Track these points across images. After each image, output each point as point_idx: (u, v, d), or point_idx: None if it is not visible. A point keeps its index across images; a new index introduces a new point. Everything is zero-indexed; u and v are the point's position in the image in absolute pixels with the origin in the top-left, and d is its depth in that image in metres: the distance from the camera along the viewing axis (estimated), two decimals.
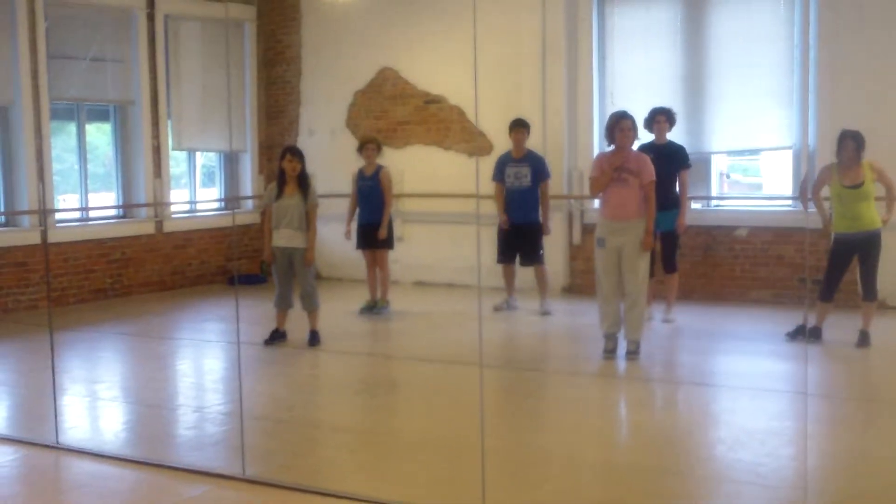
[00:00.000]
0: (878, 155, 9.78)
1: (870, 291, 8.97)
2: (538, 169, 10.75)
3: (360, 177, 10.93)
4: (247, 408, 6.66)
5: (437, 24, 12.88)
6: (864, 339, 8.91)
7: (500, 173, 10.86)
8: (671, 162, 9.96)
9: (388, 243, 10.99)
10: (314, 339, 9.52)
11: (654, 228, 9.48)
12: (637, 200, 8.52)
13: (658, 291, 10.33)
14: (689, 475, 5.88)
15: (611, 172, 8.53)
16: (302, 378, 8.59)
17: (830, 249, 9.11)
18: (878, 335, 9.19)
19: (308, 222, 9.39)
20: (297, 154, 9.48)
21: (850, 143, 8.86)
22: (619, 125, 8.58)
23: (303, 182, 9.41)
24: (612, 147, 8.67)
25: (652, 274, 9.89)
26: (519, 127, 10.76)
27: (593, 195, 9.34)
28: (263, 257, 9.68)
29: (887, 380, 8.10)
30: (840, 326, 9.13)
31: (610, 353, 8.67)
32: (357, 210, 11.07)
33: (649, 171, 8.56)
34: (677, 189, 10.06)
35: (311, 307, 9.50)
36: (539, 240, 10.83)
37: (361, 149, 10.99)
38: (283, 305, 9.55)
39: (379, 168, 10.96)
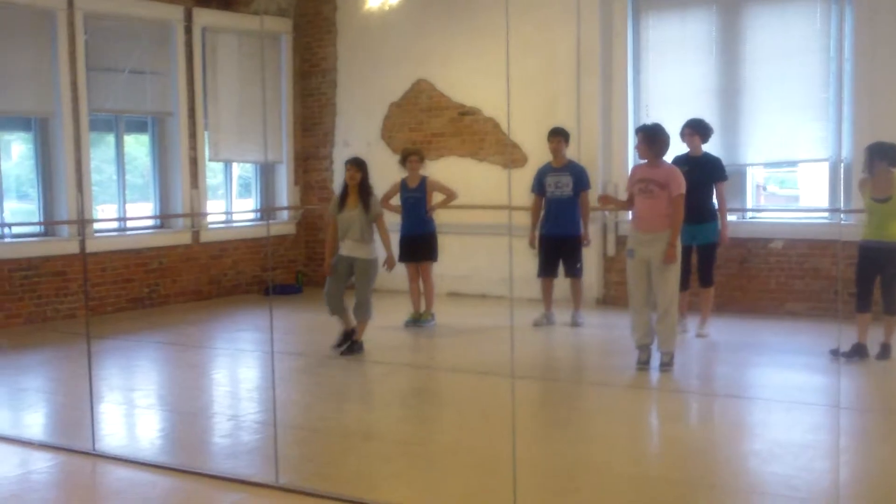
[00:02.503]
0: None
1: (891, 304, 8.89)
2: (579, 178, 10.76)
3: (404, 188, 10.91)
4: (281, 417, 6.70)
5: (472, 36, 12.93)
6: (884, 352, 8.85)
7: (539, 185, 10.85)
8: (707, 174, 9.95)
9: (431, 255, 10.99)
10: (354, 348, 9.54)
11: (691, 242, 9.51)
12: (665, 212, 8.54)
13: (693, 304, 10.29)
14: (722, 488, 5.86)
15: (630, 187, 8.81)
16: (336, 388, 8.62)
17: (859, 260, 9.07)
18: None
19: (379, 231, 9.60)
20: (357, 165, 9.60)
21: (867, 155, 8.90)
22: (638, 137, 8.82)
23: (364, 193, 9.50)
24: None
25: (687, 286, 9.89)
26: (556, 136, 10.77)
27: (610, 203, 9.64)
28: (324, 267, 9.83)
29: None
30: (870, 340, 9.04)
31: (643, 364, 8.65)
32: (400, 221, 11.10)
33: (678, 183, 8.56)
34: (714, 202, 10.03)
35: (363, 316, 9.56)
36: (579, 252, 10.83)
37: (405, 160, 11.01)
38: (338, 310, 9.61)
39: (423, 179, 10.99)
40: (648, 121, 10.75)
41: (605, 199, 9.57)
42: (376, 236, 9.70)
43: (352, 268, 9.50)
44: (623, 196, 9.77)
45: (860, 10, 10.80)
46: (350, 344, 9.57)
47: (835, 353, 8.91)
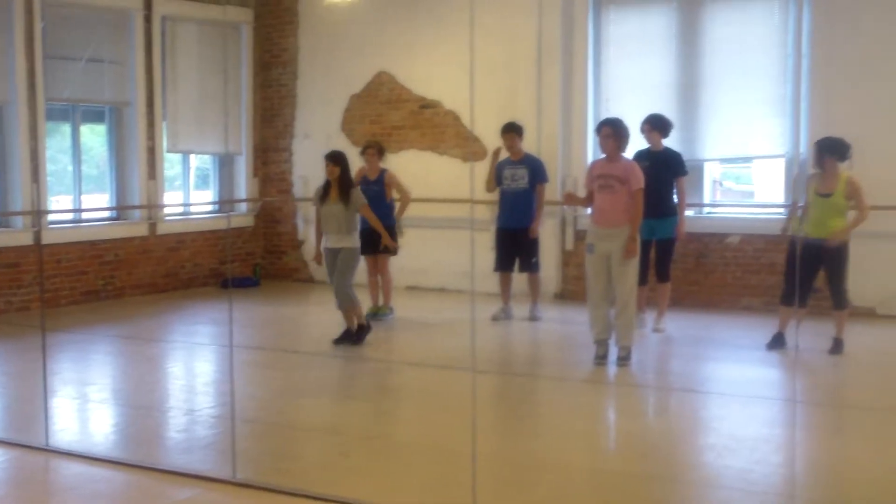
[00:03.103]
0: (870, 163, 9.85)
1: (838, 300, 8.98)
2: (535, 171, 10.76)
3: (364, 181, 10.83)
4: (238, 411, 6.66)
5: (432, 28, 12.91)
6: (836, 347, 8.94)
7: (497, 176, 10.85)
8: (667, 169, 9.99)
9: (391, 248, 10.95)
10: (345, 337, 9.60)
11: (650, 236, 9.55)
12: (624, 207, 8.56)
13: (650, 299, 10.33)
14: (679, 481, 5.90)
15: (589, 184, 8.82)
16: (294, 382, 8.57)
17: (787, 252, 9.16)
18: (867, 342, 9.28)
19: (368, 219, 9.73)
20: (334, 160, 9.65)
21: (815, 150, 9.00)
22: (600, 132, 8.77)
23: (344, 187, 9.51)
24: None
25: (645, 281, 9.93)
26: (508, 132, 10.74)
27: (575, 201, 9.45)
28: (313, 257, 9.89)
29: (873, 387, 8.11)
30: (825, 334, 9.13)
31: (601, 359, 8.68)
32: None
33: (637, 178, 8.59)
34: (674, 197, 10.08)
35: (344, 304, 9.57)
36: (535, 246, 10.83)
37: (363, 152, 10.97)
38: (349, 302, 9.58)
39: (383, 172, 10.95)
40: (608, 115, 10.79)
41: (570, 198, 9.52)
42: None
43: (336, 257, 9.56)
44: (582, 192, 9.80)
45: (817, 6, 10.89)
46: (343, 333, 9.62)
47: (771, 345, 9.10)
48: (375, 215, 10.33)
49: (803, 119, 10.95)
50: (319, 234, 9.84)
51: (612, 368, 8.58)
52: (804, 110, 10.96)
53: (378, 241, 10.60)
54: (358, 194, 9.60)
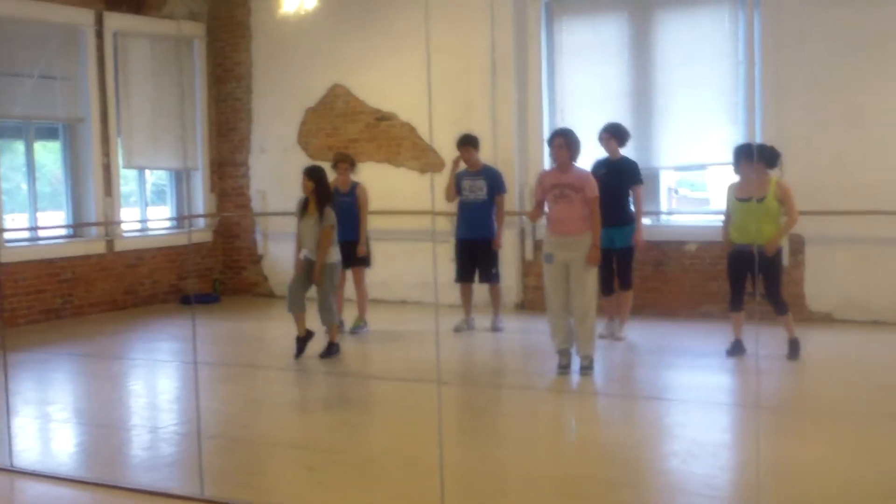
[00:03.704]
0: (822, 169, 10.00)
1: (778, 306, 9.05)
2: (494, 182, 10.79)
3: (336, 193, 10.63)
4: (204, 427, 6.63)
5: (386, 41, 12.94)
6: (793, 350, 9.03)
7: (456, 187, 10.86)
8: (624, 178, 10.07)
9: (366, 261, 10.95)
10: (330, 350, 9.65)
11: (610, 245, 9.61)
12: (580, 216, 8.62)
13: (614, 307, 10.40)
14: (644, 488, 5.96)
15: (541, 195, 8.83)
16: (258, 397, 8.56)
17: (727, 259, 9.27)
18: (825, 347, 9.41)
19: (323, 240, 9.58)
20: (309, 175, 9.71)
21: (735, 156, 9.14)
22: (553, 142, 8.79)
23: (320, 202, 9.59)
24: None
25: (611, 290, 10.02)
26: (464, 145, 10.76)
27: (533, 217, 9.38)
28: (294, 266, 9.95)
29: (833, 391, 8.22)
30: (782, 339, 9.22)
31: (564, 368, 8.73)
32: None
33: (592, 186, 8.66)
34: (631, 205, 10.16)
35: (327, 320, 9.64)
36: (495, 256, 10.87)
37: (335, 166, 10.92)
38: (297, 310, 9.64)
39: (354, 185, 10.91)
40: (563, 124, 10.88)
41: (532, 214, 9.36)
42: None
43: (312, 272, 9.59)
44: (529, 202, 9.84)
45: (766, 14, 11.03)
46: (328, 346, 9.65)
47: (730, 351, 9.22)
48: (348, 226, 10.36)
49: (757, 126, 11.07)
50: (298, 247, 9.86)
51: (575, 377, 8.63)
52: (757, 117, 11.09)
53: (352, 254, 10.60)
54: (328, 213, 9.60)
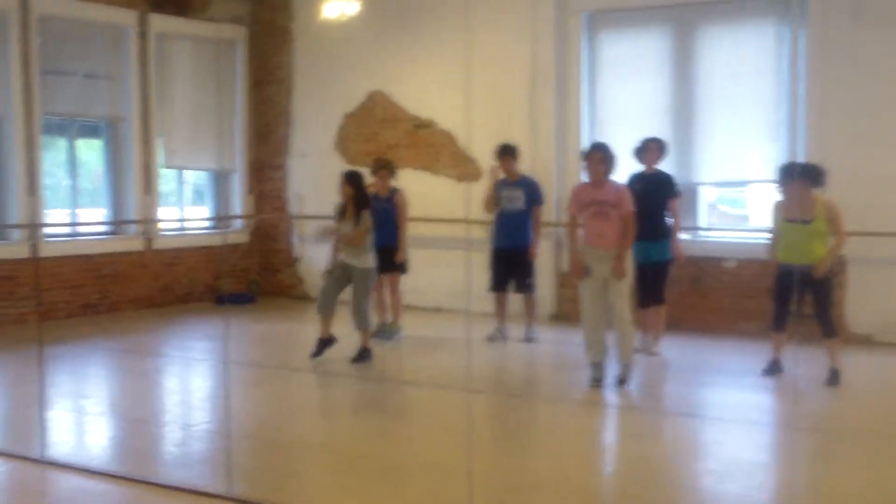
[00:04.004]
0: (865, 188, 9.88)
1: (827, 328, 8.87)
2: (532, 193, 10.77)
3: (375, 199, 10.59)
4: (235, 427, 6.65)
5: (427, 48, 12.96)
6: (833, 378, 8.78)
7: (497, 198, 10.85)
8: (660, 191, 9.99)
9: (402, 267, 10.96)
10: (363, 355, 9.64)
11: (646, 259, 9.52)
12: (617, 230, 8.59)
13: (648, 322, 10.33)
14: None
15: (577, 209, 8.78)
16: (289, 398, 8.58)
17: (774, 278, 9.14)
18: (865, 369, 9.30)
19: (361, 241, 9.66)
20: (348, 179, 9.75)
21: (782, 176, 8.96)
22: (590, 157, 8.69)
23: (357, 207, 9.63)
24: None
25: (648, 304, 9.94)
26: (504, 155, 10.73)
27: (570, 234, 9.28)
28: (327, 266, 10.06)
29: (871, 414, 8.12)
30: (821, 360, 9.10)
31: (596, 381, 8.66)
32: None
33: (628, 201, 8.62)
34: (667, 219, 10.09)
35: (360, 325, 9.65)
36: (530, 267, 10.83)
37: (374, 172, 10.95)
38: (326, 311, 9.67)
39: (394, 191, 10.92)
40: (602, 137, 10.82)
41: (576, 271, 8.99)
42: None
43: (349, 275, 9.62)
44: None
45: (812, 31, 10.94)
46: (360, 351, 9.65)
47: (767, 371, 9.08)
48: (386, 232, 10.41)
49: (799, 144, 10.97)
50: (336, 250, 9.90)
51: (608, 391, 8.57)
52: (800, 135, 10.99)
53: (390, 259, 10.62)
54: (365, 217, 9.62)
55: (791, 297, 8.94)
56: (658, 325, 10.23)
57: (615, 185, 8.75)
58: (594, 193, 8.66)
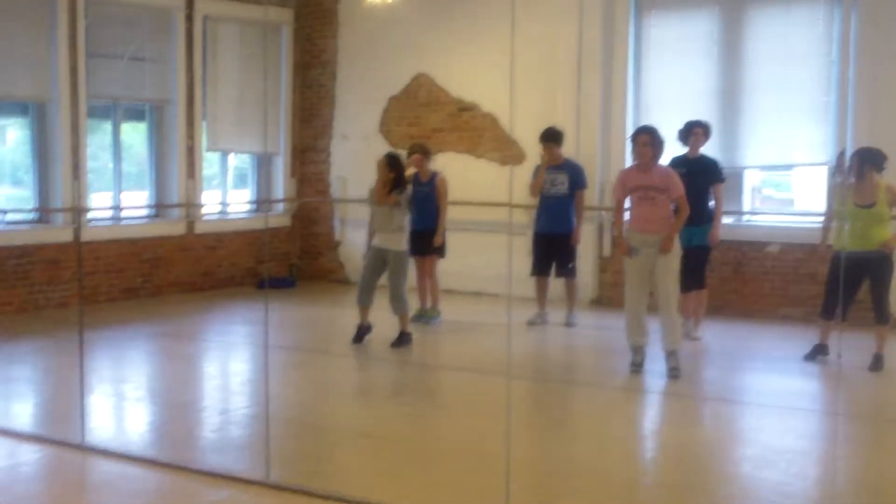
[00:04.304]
0: None
1: (881, 314, 8.80)
2: (576, 177, 10.71)
3: (416, 182, 10.66)
4: (273, 412, 6.65)
5: (472, 31, 12.89)
6: (877, 363, 8.71)
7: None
8: (704, 176, 9.87)
9: (440, 251, 10.93)
10: (402, 340, 9.64)
11: (688, 244, 9.38)
12: (664, 216, 8.45)
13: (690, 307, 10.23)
14: (715, 493, 5.84)
15: (622, 194, 8.65)
16: (328, 383, 8.58)
17: (829, 265, 9.01)
18: None
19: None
20: (389, 162, 9.73)
21: (857, 161, 8.79)
22: (637, 140, 8.53)
23: (395, 189, 9.58)
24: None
25: (687, 288, 9.83)
26: (549, 141, 10.65)
27: (616, 217, 9.13)
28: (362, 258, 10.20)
29: None
30: (864, 347, 8.95)
31: (637, 366, 8.59)
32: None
33: (677, 185, 8.46)
34: (710, 203, 9.97)
35: (399, 310, 9.63)
36: (572, 251, 10.78)
37: (409, 155, 10.90)
38: (365, 301, 9.69)
39: (434, 174, 10.87)
40: (648, 121, 10.70)
41: (621, 249, 8.90)
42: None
43: (384, 258, 9.60)
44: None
45: (864, 14, 10.75)
46: (399, 336, 9.65)
47: (809, 357, 8.98)
48: (426, 215, 10.42)
49: (849, 128, 10.80)
50: (371, 235, 9.92)
51: (648, 377, 8.50)
52: (849, 119, 10.81)
53: (428, 243, 10.60)
54: (404, 199, 9.60)
55: (847, 286, 8.78)
56: (699, 310, 10.13)
57: (662, 170, 8.59)
58: (640, 178, 8.52)
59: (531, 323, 10.72)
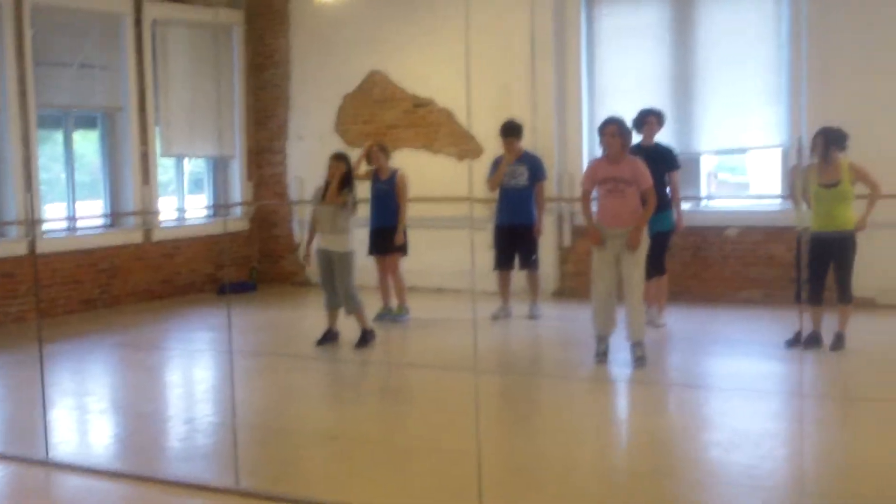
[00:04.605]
0: (868, 152, 9.76)
1: (844, 294, 8.80)
2: (535, 169, 10.71)
3: (375, 180, 10.72)
4: (240, 418, 6.60)
5: (424, 26, 12.86)
6: (838, 342, 8.76)
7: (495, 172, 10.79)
8: (660, 164, 9.89)
9: (403, 249, 10.89)
10: (364, 338, 9.58)
11: (648, 231, 9.38)
12: (633, 208, 8.41)
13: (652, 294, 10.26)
14: (685, 478, 5.86)
15: (590, 185, 8.57)
16: (294, 386, 8.53)
17: (809, 250, 9.06)
18: (869, 334, 9.25)
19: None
20: (339, 158, 9.66)
21: (821, 141, 8.75)
22: (605, 131, 8.46)
23: (343, 186, 9.49)
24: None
25: (650, 276, 9.84)
26: (509, 136, 10.66)
27: (584, 208, 8.84)
28: (303, 257, 10.20)
29: (877, 378, 8.06)
30: (827, 328, 9.02)
31: (602, 356, 8.59)
32: (369, 214, 10.97)
33: (646, 177, 8.42)
34: (667, 191, 10.00)
35: (351, 310, 9.56)
36: (534, 243, 10.79)
37: (367, 154, 10.86)
38: (332, 305, 9.64)
39: (394, 172, 10.82)
40: (604, 110, 10.72)
41: (592, 238, 8.71)
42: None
43: (330, 261, 9.52)
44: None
45: None
46: (361, 335, 9.59)
47: (790, 342, 8.92)
48: (386, 213, 10.38)
49: (802, 108, 10.87)
50: (311, 236, 9.84)
51: (614, 366, 8.51)
52: (803, 99, 10.88)
53: (389, 241, 10.57)
54: (346, 194, 9.51)
55: (820, 267, 8.78)
56: (660, 297, 10.17)
57: (631, 161, 8.51)
58: (609, 170, 8.45)
59: (495, 317, 10.72)
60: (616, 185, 8.41)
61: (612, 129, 8.42)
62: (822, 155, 8.74)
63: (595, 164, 8.71)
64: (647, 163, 9.40)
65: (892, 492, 5.55)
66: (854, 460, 6.06)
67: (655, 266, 10.01)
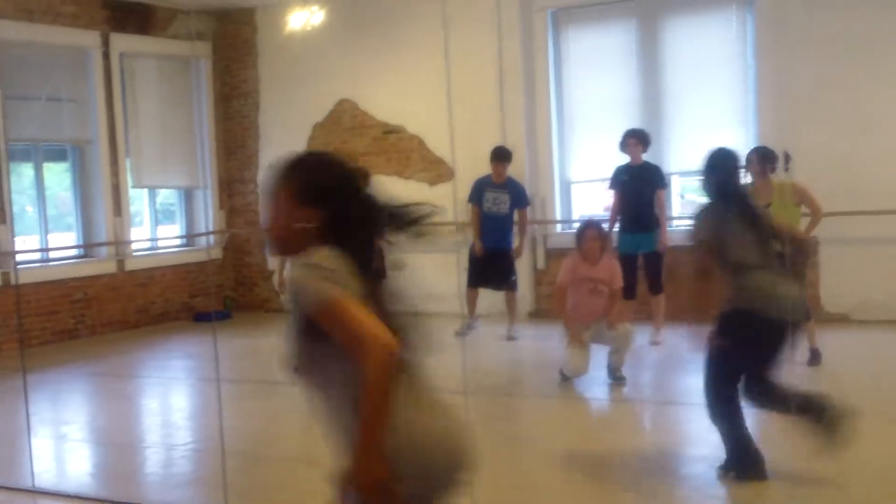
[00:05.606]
0: (821, 173, 9.82)
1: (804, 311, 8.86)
2: (518, 196, 10.86)
3: None
4: (221, 445, 6.59)
5: (393, 54, 12.93)
6: (814, 358, 8.83)
7: (477, 197, 10.87)
8: (647, 183, 10.05)
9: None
10: None
11: (636, 250, 9.52)
12: (607, 305, 8.56)
13: (645, 312, 10.33)
14: (669, 494, 5.94)
15: (568, 281, 8.57)
16: (275, 412, 8.51)
17: None
18: (843, 348, 9.37)
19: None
20: None
21: (758, 160, 8.71)
22: (584, 235, 8.49)
23: None
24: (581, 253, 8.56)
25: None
26: (500, 161, 10.81)
27: (557, 304, 8.87)
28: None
29: (856, 392, 8.14)
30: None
31: (566, 380, 8.61)
32: None
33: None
34: (655, 209, 10.13)
35: None
36: (513, 265, 10.92)
37: None
38: None
39: None
40: (572, 133, 10.81)
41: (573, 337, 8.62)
42: None
43: None
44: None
45: (763, 16, 11.01)
46: None
47: (810, 362, 8.90)
48: None
49: (752, 129, 11.03)
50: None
51: (594, 385, 8.57)
52: (752, 120, 11.07)
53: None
54: None
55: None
56: (658, 315, 10.24)
57: (608, 262, 8.63)
58: (589, 271, 8.50)
59: (459, 333, 10.48)
60: (595, 285, 8.50)
61: (591, 233, 8.48)
62: (760, 174, 8.69)
63: (574, 263, 8.62)
64: (634, 182, 9.55)
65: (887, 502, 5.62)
66: (837, 474, 6.11)
67: (653, 285, 10.15)
